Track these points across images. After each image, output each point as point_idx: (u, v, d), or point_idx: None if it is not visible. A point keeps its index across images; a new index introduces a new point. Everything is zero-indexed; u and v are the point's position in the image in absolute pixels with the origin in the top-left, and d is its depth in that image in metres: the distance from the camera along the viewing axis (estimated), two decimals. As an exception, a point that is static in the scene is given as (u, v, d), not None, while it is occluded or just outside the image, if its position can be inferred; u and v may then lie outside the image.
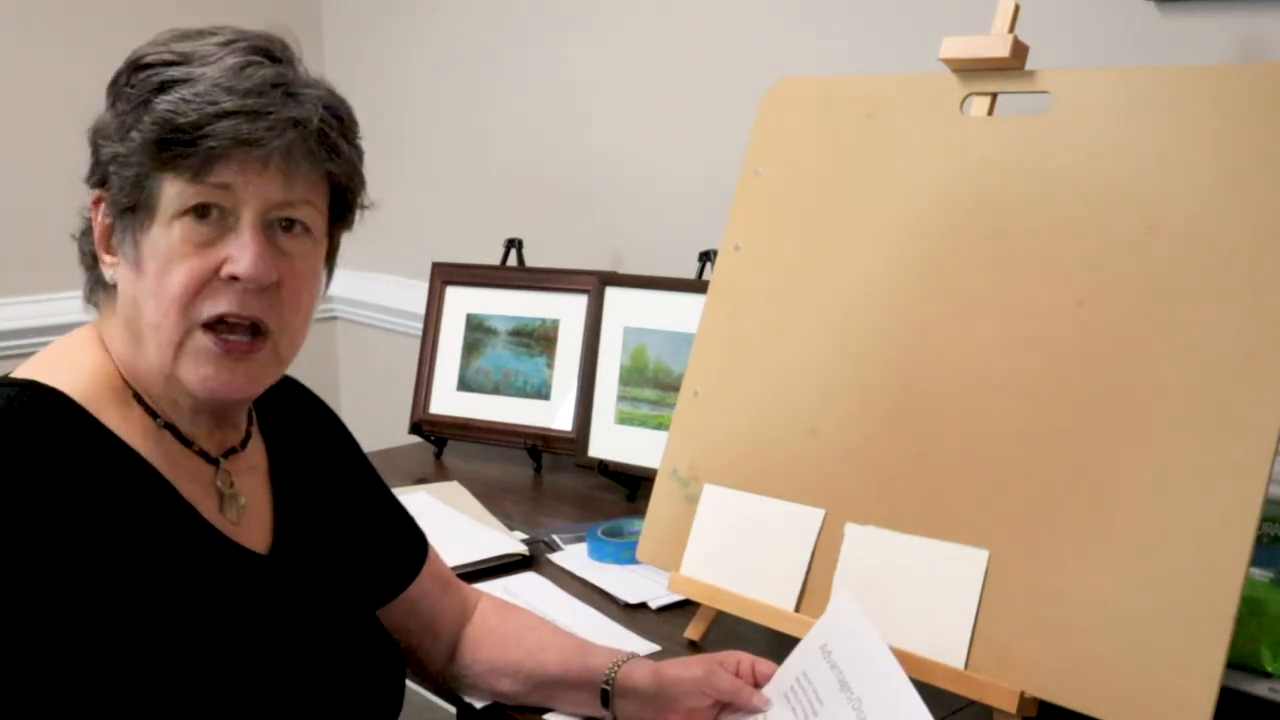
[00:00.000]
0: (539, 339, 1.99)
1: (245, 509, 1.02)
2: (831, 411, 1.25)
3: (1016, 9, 1.23)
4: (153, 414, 0.97)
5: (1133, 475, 1.04)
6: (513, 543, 1.57)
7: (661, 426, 1.75)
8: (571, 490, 1.86)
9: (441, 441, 2.04)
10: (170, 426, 0.98)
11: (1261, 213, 1.03)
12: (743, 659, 1.13)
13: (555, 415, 1.95)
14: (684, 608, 1.37)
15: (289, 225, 0.96)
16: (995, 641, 1.08)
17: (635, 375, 1.84)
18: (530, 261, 2.11)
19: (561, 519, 1.72)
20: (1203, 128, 1.08)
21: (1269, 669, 1.15)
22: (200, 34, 0.96)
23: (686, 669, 1.11)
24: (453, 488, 1.80)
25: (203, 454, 1.00)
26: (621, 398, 1.85)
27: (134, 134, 0.91)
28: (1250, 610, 1.14)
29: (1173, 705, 0.97)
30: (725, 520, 1.31)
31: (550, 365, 1.97)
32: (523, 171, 2.26)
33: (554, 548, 1.59)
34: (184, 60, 0.93)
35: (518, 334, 2.00)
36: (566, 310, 1.96)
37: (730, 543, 1.29)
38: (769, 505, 1.27)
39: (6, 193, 2.30)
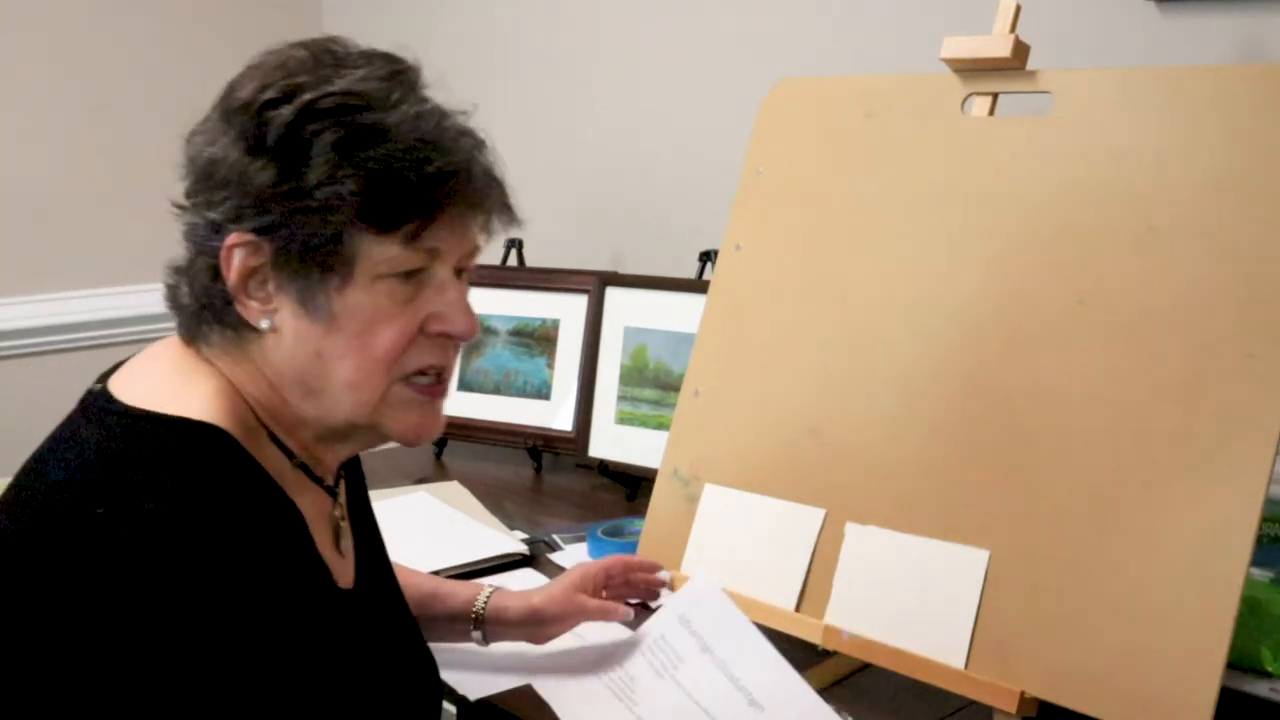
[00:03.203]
0: (539, 339, 1.99)
1: (349, 536, 1.03)
2: (832, 411, 1.25)
3: (1018, 9, 1.23)
4: (288, 453, 0.95)
5: (1133, 475, 1.04)
6: (513, 542, 1.57)
7: (662, 426, 1.75)
8: (571, 490, 1.86)
9: (442, 441, 2.04)
10: (302, 465, 0.96)
11: (1262, 212, 1.03)
12: (611, 566, 1.28)
13: (555, 415, 1.94)
14: (684, 607, 1.37)
15: (465, 269, 0.96)
16: (995, 641, 1.08)
17: (635, 375, 1.84)
18: (530, 261, 2.11)
19: (561, 519, 1.72)
20: (1203, 128, 1.08)
21: (1269, 669, 1.15)
22: (334, 58, 0.91)
23: (553, 601, 1.22)
24: (453, 488, 1.80)
25: (327, 489, 0.99)
26: (622, 398, 1.85)
27: (330, 190, 0.86)
28: (1250, 610, 1.14)
29: (1173, 705, 0.97)
30: (725, 520, 1.31)
31: (550, 365, 1.97)
32: (524, 171, 2.25)
33: (554, 547, 1.59)
34: (364, 104, 0.88)
35: (518, 334, 2.00)
36: (567, 310, 1.96)
37: (730, 542, 1.29)
38: (769, 505, 1.27)
39: (8, 193, 2.30)
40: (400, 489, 1.78)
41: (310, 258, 0.87)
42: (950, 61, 1.26)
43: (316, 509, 0.97)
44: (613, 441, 1.84)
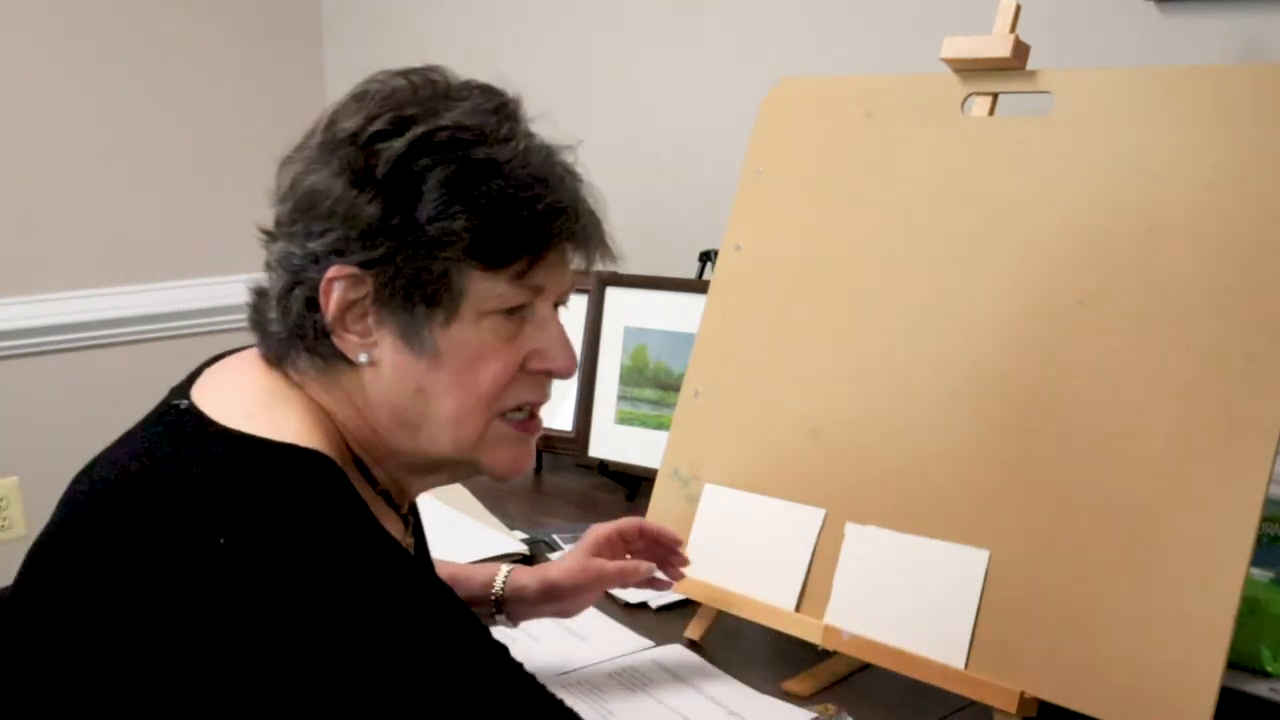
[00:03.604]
0: (539, 339, 1.98)
1: None
2: (832, 411, 1.26)
3: (1018, 9, 1.23)
4: (372, 481, 0.94)
5: (1133, 475, 1.04)
6: (513, 542, 1.57)
7: (662, 426, 1.75)
8: (571, 490, 1.86)
9: (441, 441, 2.04)
10: (384, 493, 0.95)
11: (1262, 212, 1.03)
12: (625, 529, 1.25)
13: (555, 415, 1.94)
14: (684, 607, 1.37)
15: (563, 302, 0.97)
16: (995, 641, 1.08)
17: (635, 375, 1.84)
18: (530, 261, 2.10)
19: (561, 519, 1.72)
20: (1203, 128, 1.08)
21: (1269, 669, 1.15)
22: (435, 88, 0.90)
23: (568, 573, 1.20)
24: (453, 488, 1.79)
25: (403, 517, 0.99)
26: (622, 398, 1.85)
27: (441, 225, 0.85)
28: (1250, 610, 1.14)
29: (1173, 705, 0.97)
30: (725, 520, 1.31)
31: (550, 365, 1.97)
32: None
33: (554, 547, 1.59)
34: (476, 139, 0.87)
35: (518, 334, 2.00)
36: (567, 310, 1.96)
37: (730, 542, 1.29)
38: (769, 505, 1.27)
39: (7, 193, 2.30)
40: (400, 489, 1.78)
41: (416, 293, 0.86)
42: (950, 61, 1.26)
43: (397, 536, 0.95)
44: (613, 441, 1.84)
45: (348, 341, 0.89)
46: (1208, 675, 0.96)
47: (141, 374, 2.28)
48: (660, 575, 1.26)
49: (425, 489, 1.00)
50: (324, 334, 0.89)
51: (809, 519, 1.24)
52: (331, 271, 0.86)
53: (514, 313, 0.90)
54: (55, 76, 2.31)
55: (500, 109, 0.91)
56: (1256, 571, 1.18)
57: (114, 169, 2.38)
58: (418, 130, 0.86)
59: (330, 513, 0.82)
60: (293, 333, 0.90)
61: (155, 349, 2.43)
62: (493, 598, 1.21)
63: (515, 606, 1.21)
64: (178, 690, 0.78)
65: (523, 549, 1.56)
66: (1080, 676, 1.02)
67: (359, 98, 0.90)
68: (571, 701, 1.11)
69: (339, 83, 2.47)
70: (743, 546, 1.28)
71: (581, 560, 1.21)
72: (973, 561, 1.11)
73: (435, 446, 0.91)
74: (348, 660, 0.78)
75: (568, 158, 0.94)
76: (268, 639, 0.77)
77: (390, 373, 0.89)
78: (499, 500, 1.76)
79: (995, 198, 1.19)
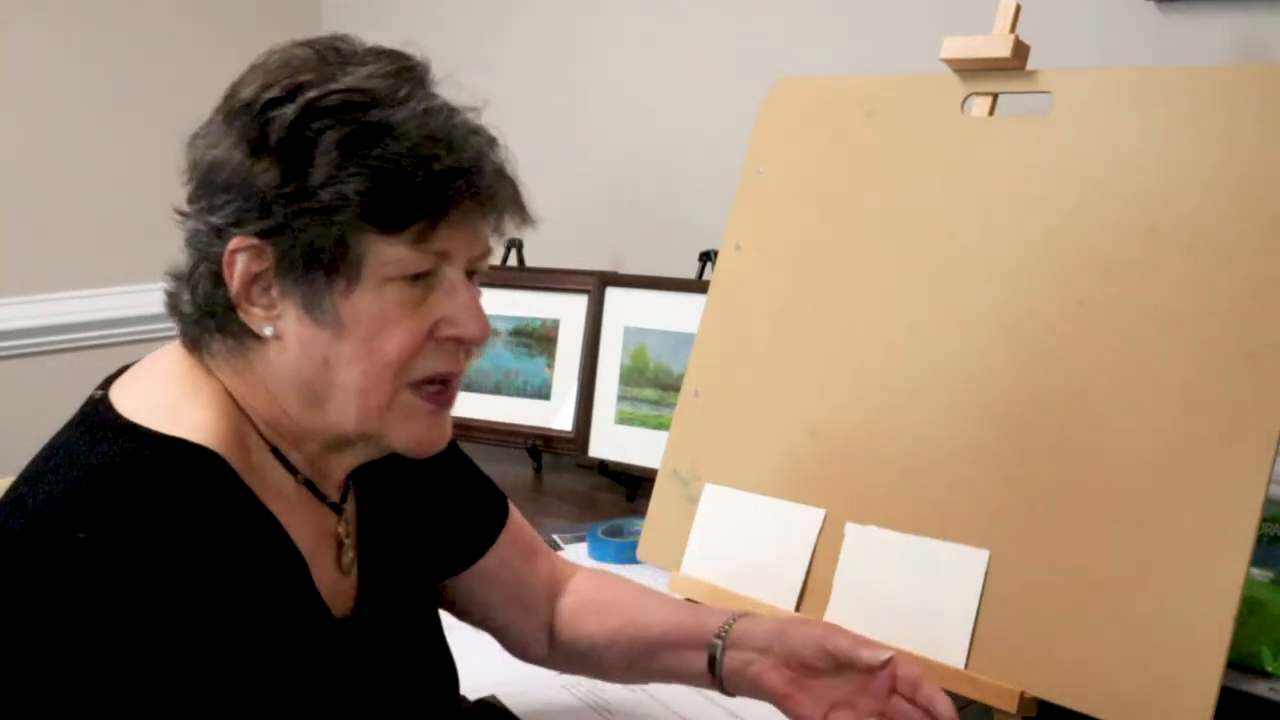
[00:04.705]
0: (539, 339, 1.99)
1: (353, 552, 0.99)
2: (832, 411, 1.25)
3: (1018, 9, 1.23)
4: (291, 470, 0.92)
5: (1133, 475, 1.04)
6: (513, 542, 1.57)
7: (662, 426, 1.75)
8: (571, 490, 1.86)
9: (441, 441, 2.04)
10: (307, 482, 0.94)
11: (1262, 212, 1.03)
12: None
13: (555, 415, 1.94)
14: (684, 607, 1.37)
15: (476, 270, 0.93)
16: (995, 641, 1.08)
17: (635, 375, 1.84)
18: (530, 261, 2.10)
19: (561, 519, 1.72)
20: (1203, 128, 1.08)
21: (1269, 669, 1.15)
22: (340, 56, 0.89)
23: (808, 626, 1.02)
24: (453, 487, 1.80)
25: (331, 504, 0.97)
26: (622, 398, 1.85)
27: (334, 190, 0.83)
28: (1250, 610, 1.14)
29: (1173, 705, 0.97)
30: (725, 520, 1.31)
31: (550, 365, 1.97)
32: (523, 171, 2.25)
33: (554, 547, 1.59)
34: (370, 101, 0.85)
35: (518, 334, 2.00)
36: (566, 310, 1.96)
37: (730, 542, 1.29)
38: (769, 505, 1.27)
39: (7, 193, 2.30)
40: (400, 489, 1.78)
41: (315, 261, 0.85)
42: (950, 61, 1.26)
43: (319, 527, 0.95)
44: (613, 441, 1.84)
45: (253, 315, 0.87)
46: (1208, 675, 0.96)
47: (141, 374, 2.27)
48: None
49: (347, 468, 0.96)
50: (231, 310, 0.88)
51: (809, 519, 1.24)
52: (232, 244, 0.86)
53: (420, 279, 0.87)
54: (56, 76, 2.31)
55: (401, 72, 0.89)
56: (1256, 571, 1.18)
57: (114, 169, 2.38)
58: (310, 95, 0.85)
59: (182, 517, 0.81)
60: (203, 312, 0.90)
61: (155, 349, 2.43)
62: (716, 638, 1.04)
63: (733, 652, 1.03)
64: (23, 676, 0.78)
65: (523, 549, 1.55)
66: (1080, 676, 1.02)
67: (257, 67, 0.89)
68: (570, 700, 1.10)
69: (339, 83, 2.45)
70: (743, 546, 1.28)
71: (826, 625, 1.03)
72: (973, 561, 1.11)
73: (344, 420, 0.89)
74: (99, 662, 0.77)
75: (476, 119, 0.91)
76: (75, 635, 0.77)
77: (295, 345, 0.88)
78: (499, 500, 1.76)
79: (995, 198, 1.19)
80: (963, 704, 1.12)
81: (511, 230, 0.95)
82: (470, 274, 0.92)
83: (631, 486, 1.80)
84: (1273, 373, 0.99)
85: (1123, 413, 1.06)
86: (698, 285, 1.77)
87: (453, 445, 1.13)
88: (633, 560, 1.45)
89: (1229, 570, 0.97)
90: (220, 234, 0.86)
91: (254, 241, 0.85)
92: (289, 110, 0.85)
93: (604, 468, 1.83)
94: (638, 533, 1.42)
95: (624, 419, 1.84)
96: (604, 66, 2.09)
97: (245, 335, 0.89)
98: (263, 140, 0.85)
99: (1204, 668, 0.96)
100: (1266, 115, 1.05)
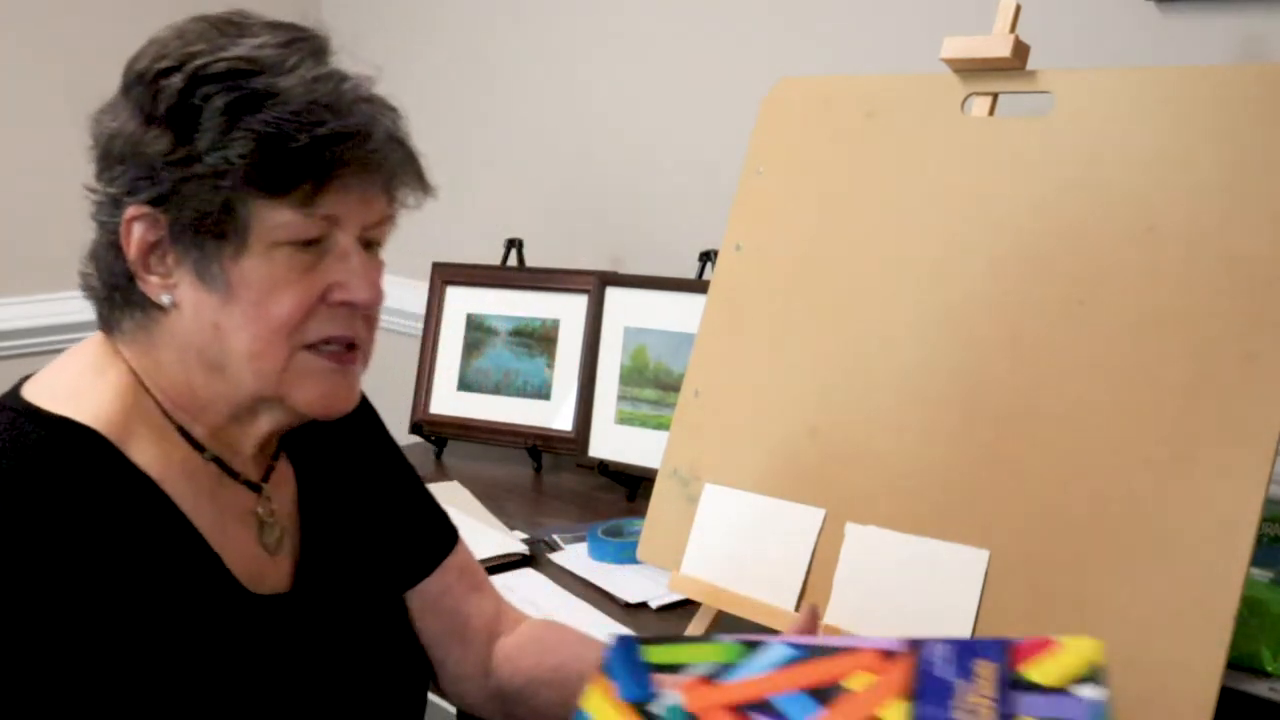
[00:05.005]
0: (539, 339, 1.99)
1: (283, 531, 0.99)
2: (831, 411, 1.26)
3: (1018, 9, 1.23)
4: (198, 447, 0.93)
5: (1133, 475, 1.04)
6: (513, 542, 1.57)
7: (661, 426, 1.75)
8: (571, 490, 1.86)
9: (442, 441, 2.04)
10: (216, 459, 0.94)
11: (1262, 212, 1.03)
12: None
13: (555, 415, 1.95)
14: (684, 607, 1.37)
15: (373, 240, 0.94)
16: (995, 641, 1.08)
17: (635, 375, 1.84)
18: (530, 261, 2.11)
19: (561, 519, 1.72)
20: (1203, 128, 1.08)
21: (1269, 669, 1.15)
22: (235, 28, 0.90)
23: None
24: (453, 488, 1.80)
25: (247, 482, 0.97)
26: (622, 398, 1.85)
27: (219, 155, 0.85)
28: (1250, 610, 1.14)
29: (1173, 705, 0.97)
30: (725, 520, 1.31)
31: (550, 365, 1.97)
32: (523, 171, 2.26)
33: (554, 547, 1.59)
34: (257, 69, 0.86)
35: (518, 334, 2.00)
36: (566, 310, 1.96)
37: (730, 542, 1.29)
38: (769, 505, 1.27)
39: (7, 193, 2.30)
40: (400, 489, 1.78)
41: (204, 226, 0.86)
42: (950, 61, 1.26)
43: (232, 504, 0.95)
44: (613, 441, 1.84)
45: (150, 284, 0.89)
46: (1208, 675, 0.96)
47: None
48: None
49: (256, 440, 0.96)
50: (132, 281, 0.90)
51: (809, 519, 1.24)
52: (128, 213, 0.88)
53: (311, 245, 0.89)
54: (55, 76, 2.31)
55: (293, 42, 0.90)
56: (1256, 571, 1.18)
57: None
58: (198, 63, 0.87)
59: (45, 493, 0.83)
60: (109, 286, 0.92)
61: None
62: None
63: None
64: None
65: (523, 549, 1.56)
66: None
67: (154, 40, 0.92)
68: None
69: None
70: (742, 546, 1.28)
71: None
72: (973, 561, 1.11)
73: (241, 385, 0.90)
74: None
75: (370, 87, 0.92)
76: None
77: (190, 312, 0.89)
78: (499, 500, 1.77)
79: (995, 198, 1.19)
80: (963, 704, 1.12)
81: (410, 200, 0.96)
82: (370, 244, 0.93)
83: (631, 486, 1.80)
84: (1273, 373, 0.99)
85: (1123, 413, 1.06)
86: (698, 285, 1.77)
87: (409, 468, 1.18)
88: (633, 560, 1.46)
89: (1229, 570, 0.97)
90: (118, 204, 0.89)
91: (147, 210, 0.87)
92: (177, 79, 0.87)
93: (604, 468, 1.83)
94: (638, 533, 1.42)
95: (624, 419, 1.84)
96: (604, 66, 2.09)
97: (149, 307, 0.91)
98: (154, 109, 0.87)
99: (1204, 668, 0.96)
100: (1266, 115, 1.05)
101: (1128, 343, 1.07)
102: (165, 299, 0.89)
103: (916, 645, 0.77)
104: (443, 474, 1.93)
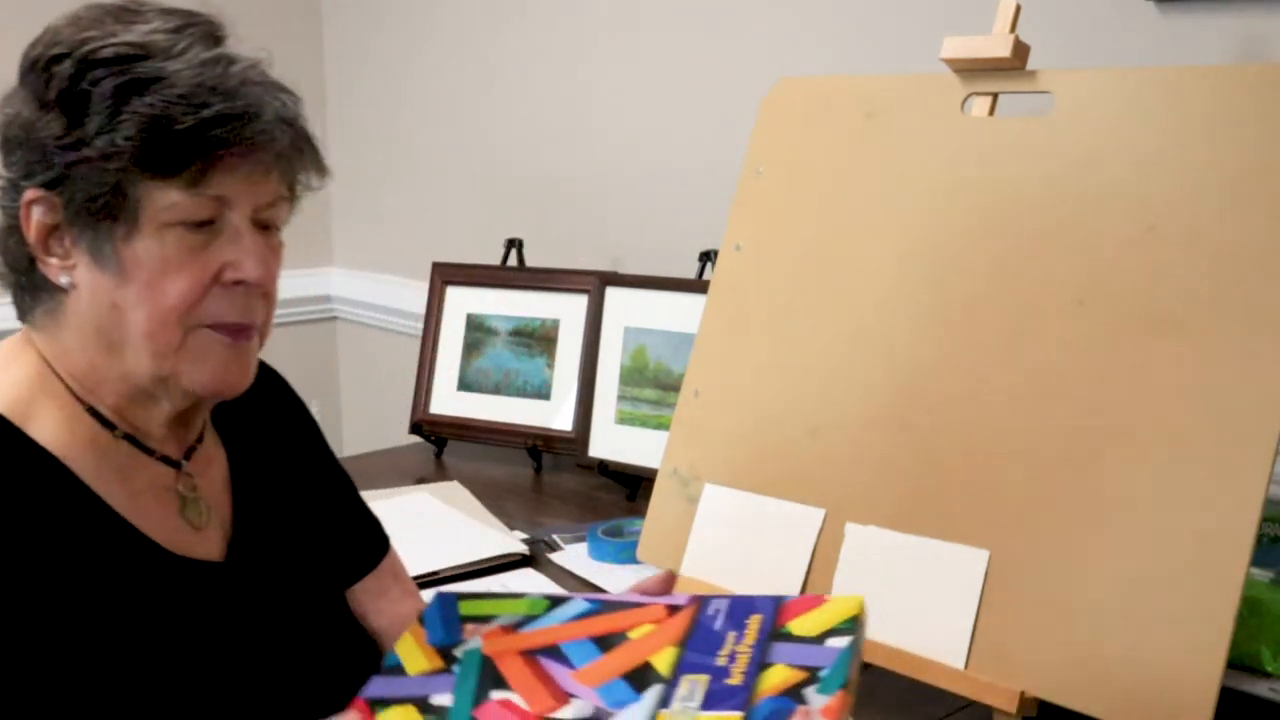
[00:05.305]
0: (539, 339, 1.99)
1: (209, 509, 1.00)
2: (831, 411, 1.26)
3: (1018, 9, 1.23)
4: (109, 425, 0.94)
5: (1133, 475, 1.04)
6: (513, 542, 1.57)
7: (662, 426, 1.75)
8: (571, 490, 1.86)
9: (442, 441, 2.04)
10: (128, 436, 0.95)
11: (1262, 212, 1.03)
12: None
13: (555, 415, 1.95)
14: (684, 607, 1.37)
15: (269, 222, 0.95)
16: (995, 641, 1.08)
17: (635, 375, 1.84)
18: (530, 261, 2.11)
19: (561, 519, 1.72)
20: (1203, 128, 1.08)
21: (1269, 669, 1.15)
22: (129, 14, 0.92)
23: None
24: (453, 488, 1.80)
25: (165, 459, 0.98)
26: (622, 398, 1.85)
27: (108, 138, 0.87)
28: (1250, 610, 1.14)
29: (1173, 705, 0.97)
30: (725, 520, 1.31)
31: (550, 365, 1.97)
32: (523, 171, 2.26)
33: (554, 547, 1.59)
34: (146, 53, 0.88)
35: (518, 334, 2.00)
36: (566, 310, 1.96)
37: (730, 542, 1.29)
38: (769, 505, 1.27)
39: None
40: (400, 489, 1.79)
41: (96, 208, 0.88)
42: (950, 61, 1.26)
43: (148, 480, 0.96)
44: (613, 441, 1.84)
45: (50, 267, 0.91)
46: (1208, 675, 0.96)
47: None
48: None
49: (161, 421, 0.97)
50: (34, 265, 0.92)
51: (809, 519, 1.24)
52: (25, 196, 0.90)
53: (203, 226, 0.90)
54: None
55: (184, 28, 0.92)
56: (1256, 571, 1.18)
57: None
58: (88, 49, 0.89)
59: None
60: (15, 271, 0.94)
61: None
62: None
63: None
64: None
65: (523, 549, 1.56)
66: (1080, 676, 1.02)
67: (50, 27, 0.93)
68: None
69: (337, 72, 2.48)
70: (743, 546, 1.28)
71: None
72: (973, 561, 1.11)
73: (140, 365, 0.92)
74: None
75: (263, 70, 0.93)
76: None
77: (88, 293, 0.91)
78: (499, 500, 1.76)
79: (995, 198, 1.19)
80: (963, 704, 1.12)
81: (307, 181, 0.97)
82: (266, 227, 0.94)
83: (631, 486, 1.80)
84: (1273, 373, 0.99)
85: (1122, 413, 1.06)
86: (698, 285, 1.77)
87: (343, 473, 1.19)
88: (633, 560, 1.46)
89: (1229, 570, 0.97)
90: (17, 189, 0.91)
91: (42, 193, 0.89)
92: (68, 65, 0.89)
93: (604, 468, 1.83)
94: (638, 533, 1.42)
95: (624, 419, 1.84)
96: (604, 66, 2.09)
97: (54, 290, 0.92)
98: (46, 95, 0.89)
99: (1204, 668, 0.96)
100: (1266, 115, 1.05)
101: (1128, 343, 1.07)
102: (64, 280, 0.91)
103: (700, 601, 0.84)
104: (443, 474, 1.93)
